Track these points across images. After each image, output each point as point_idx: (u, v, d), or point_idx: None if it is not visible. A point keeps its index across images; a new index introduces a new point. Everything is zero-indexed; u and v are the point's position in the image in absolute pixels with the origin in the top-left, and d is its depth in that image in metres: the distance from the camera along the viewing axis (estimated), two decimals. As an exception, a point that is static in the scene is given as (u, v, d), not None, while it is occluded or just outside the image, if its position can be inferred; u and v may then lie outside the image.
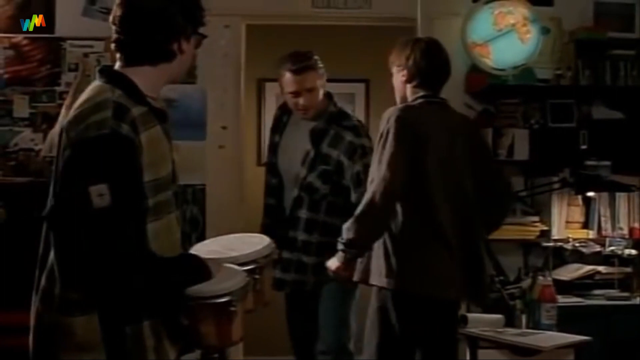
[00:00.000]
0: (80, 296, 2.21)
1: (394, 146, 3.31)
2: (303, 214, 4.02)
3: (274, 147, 4.18)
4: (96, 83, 2.33)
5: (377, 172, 3.32)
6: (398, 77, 3.59)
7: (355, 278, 3.50)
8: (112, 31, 2.35)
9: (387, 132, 3.35)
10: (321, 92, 4.02)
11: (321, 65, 4.02)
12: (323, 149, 3.98)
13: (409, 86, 3.55)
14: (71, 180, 2.17)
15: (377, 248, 3.39)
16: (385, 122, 3.37)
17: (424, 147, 3.38)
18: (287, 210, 4.08)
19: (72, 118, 2.24)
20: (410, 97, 3.55)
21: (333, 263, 3.47)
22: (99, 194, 2.11)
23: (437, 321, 3.45)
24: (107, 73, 2.33)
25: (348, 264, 3.44)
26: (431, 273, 3.38)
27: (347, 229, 3.35)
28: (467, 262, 3.45)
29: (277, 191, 4.16)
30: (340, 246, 3.39)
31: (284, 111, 4.18)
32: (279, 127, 4.19)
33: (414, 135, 3.37)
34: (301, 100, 3.98)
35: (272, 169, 4.20)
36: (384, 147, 3.33)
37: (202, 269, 2.32)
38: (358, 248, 3.38)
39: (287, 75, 3.97)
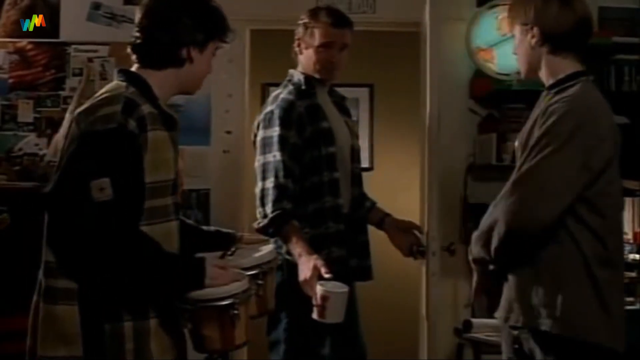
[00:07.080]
0: (65, 285, 2.23)
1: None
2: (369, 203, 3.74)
3: (327, 135, 3.48)
4: (114, 81, 2.39)
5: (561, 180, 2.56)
6: (525, 39, 2.61)
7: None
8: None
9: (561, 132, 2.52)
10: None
11: None
12: (353, 116, 3.74)
13: (546, 54, 2.59)
14: (75, 171, 2.21)
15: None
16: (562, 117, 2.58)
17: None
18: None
19: (84, 109, 2.29)
20: (552, 73, 2.63)
21: None
22: (100, 187, 2.14)
23: None
24: (125, 72, 2.39)
25: None
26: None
27: None
28: None
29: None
30: None
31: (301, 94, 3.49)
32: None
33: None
34: (334, 57, 3.48)
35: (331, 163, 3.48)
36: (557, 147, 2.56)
37: (197, 274, 2.30)
38: None
39: (323, 27, 3.45)
